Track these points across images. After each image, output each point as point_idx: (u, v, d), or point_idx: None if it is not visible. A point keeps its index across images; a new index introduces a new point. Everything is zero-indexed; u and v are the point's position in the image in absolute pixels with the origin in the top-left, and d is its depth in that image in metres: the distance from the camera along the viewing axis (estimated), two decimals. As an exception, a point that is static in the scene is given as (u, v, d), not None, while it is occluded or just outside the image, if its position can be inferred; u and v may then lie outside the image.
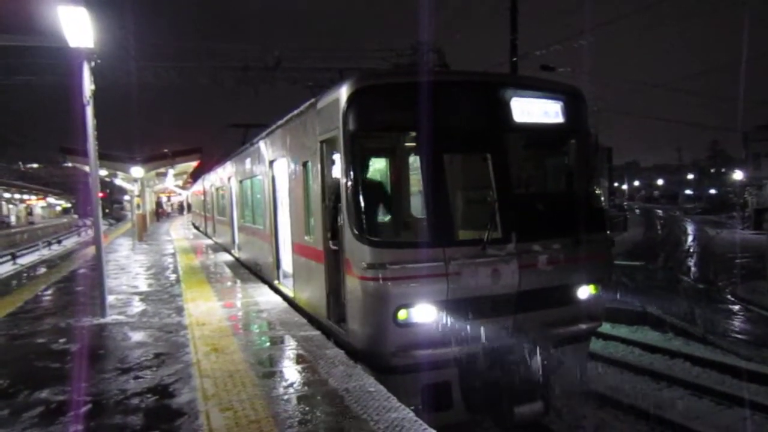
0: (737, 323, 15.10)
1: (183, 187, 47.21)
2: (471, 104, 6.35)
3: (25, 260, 26.03)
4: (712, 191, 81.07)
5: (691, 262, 27.20)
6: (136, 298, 9.71)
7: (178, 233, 28.29)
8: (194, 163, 26.37)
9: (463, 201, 7.48)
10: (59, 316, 8.32)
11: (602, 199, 7.46)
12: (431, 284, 5.61)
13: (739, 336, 13.66)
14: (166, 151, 22.53)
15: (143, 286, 11.16)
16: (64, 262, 16.50)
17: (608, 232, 7.20)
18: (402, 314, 5.57)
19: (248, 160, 12.49)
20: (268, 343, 6.53)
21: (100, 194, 9.06)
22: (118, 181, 30.18)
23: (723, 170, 77.58)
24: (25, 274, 14.47)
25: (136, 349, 6.40)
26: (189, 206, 47.64)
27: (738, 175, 52.98)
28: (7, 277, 15.09)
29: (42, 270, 15.07)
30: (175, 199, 65.51)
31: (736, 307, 16.69)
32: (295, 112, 8.06)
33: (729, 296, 18.28)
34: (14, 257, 28.10)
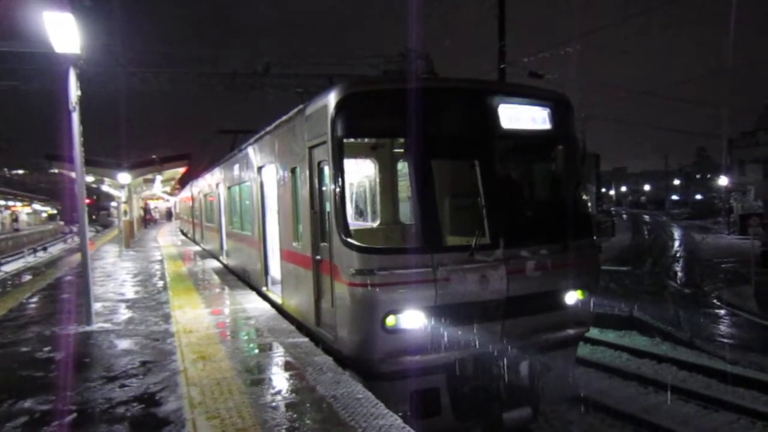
0: (723, 327, 15.25)
1: (171, 194, 46.90)
2: (459, 111, 6.39)
3: (10, 267, 25.68)
4: (698, 197, 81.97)
5: (678, 267, 27.45)
6: (123, 305, 9.61)
7: (165, 240, 28.09)
8: (182, 170, 26.18)
9: (451, 207, 7.51)
10: (44, 324, 8.21)
11: (589, 204, 7.53)
12: (419, 290, 5.61)
13: (725, 340, 13.79)
14: (153, 157, 22.33)
15: (130, 293, 11.06)
16: (50, 270, 16.31)
17: (596, 237, 7.25)
18: (390, 320, 5.57)
19: (237, 166, 12.45)
20: (256, 351, 6.49)
21: (87, 201, 8.99)
22: (104, 188, 29.92)
23: (709, 176, 78.39)
24: (9, 282, 14.28)
25: (123, 357, 6.33)
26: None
27: (723, 180, 53.55)
28: (-9, 284, 14.88)
29: (27, 277, 14.88)
30: (162, 206, 65.06)
31: (722, 312, 16.85)
32: (284, 118, 8.06)
33: (715, 301, 18.46)
34: (-2, 265, 27.73)
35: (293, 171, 7.58)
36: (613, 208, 72.48)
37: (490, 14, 18.78)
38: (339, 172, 5.88)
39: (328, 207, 6.16)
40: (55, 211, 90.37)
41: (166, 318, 8.35)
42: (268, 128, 9.09)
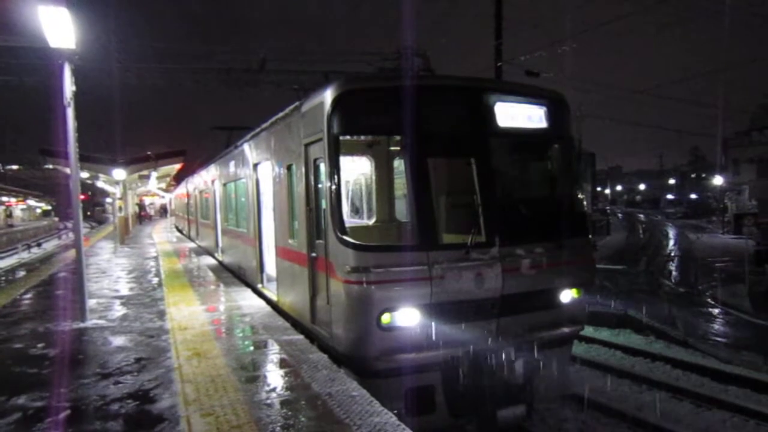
0: (717, 326, 15.34)
1: (166, 190, 46.73)
2: (455, 109, 6.38)
3: (4, 263, 25.59)
4: (693, 196, 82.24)
5: (673, 266, 27.58)
6: (118, 302, 9.58)
7: (160, 236, 28.00)
8: (178, 166, 26.10)
9: (447, 205, 7.51)
10: (38, 321, 8.18)
11: (585, 203, 7.54)
12: (415, 288, 5.61)
13: (718, 339, 13.88)
14: (149, 153, 22.23)
15: (125, 289, 11.03)
16: (44, 266, 16.23)
17: (591, 236, 7.26)
18: (386, 318, 5.57)
19: (232, 163, 12.42)
20: (251, 348, 6.48)
21: (81, 197, 8.94)
22: (99, 184, 29.80)
23: (703, 175, 78.65)
24: (3, 278, 14.21)
25: (117, 354, 6.31)
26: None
27: (718, 180, 53.75)
28: (-15, 280, 14.80)
29: (21, 273, 14.81)
30: (158, 202, 64.82)
31: (716, 311, 16.95)
32: (280, 114, 8.04)
33: (709, 300, 18.57)
34: (-8, 260, 27.59)
35: (289, 168, 7.56)
36: (608, 207, 72.65)
37: (488, 12, 18.78)
38: (335, 169, 5.86)
39: (324, 204, 6.15)
40: (49, 207, 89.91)
41: (161, 315, 8.33)
42: (264, 125, 9.06)
